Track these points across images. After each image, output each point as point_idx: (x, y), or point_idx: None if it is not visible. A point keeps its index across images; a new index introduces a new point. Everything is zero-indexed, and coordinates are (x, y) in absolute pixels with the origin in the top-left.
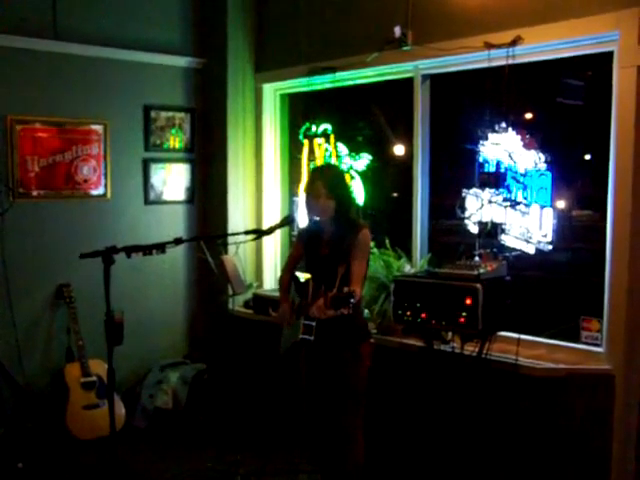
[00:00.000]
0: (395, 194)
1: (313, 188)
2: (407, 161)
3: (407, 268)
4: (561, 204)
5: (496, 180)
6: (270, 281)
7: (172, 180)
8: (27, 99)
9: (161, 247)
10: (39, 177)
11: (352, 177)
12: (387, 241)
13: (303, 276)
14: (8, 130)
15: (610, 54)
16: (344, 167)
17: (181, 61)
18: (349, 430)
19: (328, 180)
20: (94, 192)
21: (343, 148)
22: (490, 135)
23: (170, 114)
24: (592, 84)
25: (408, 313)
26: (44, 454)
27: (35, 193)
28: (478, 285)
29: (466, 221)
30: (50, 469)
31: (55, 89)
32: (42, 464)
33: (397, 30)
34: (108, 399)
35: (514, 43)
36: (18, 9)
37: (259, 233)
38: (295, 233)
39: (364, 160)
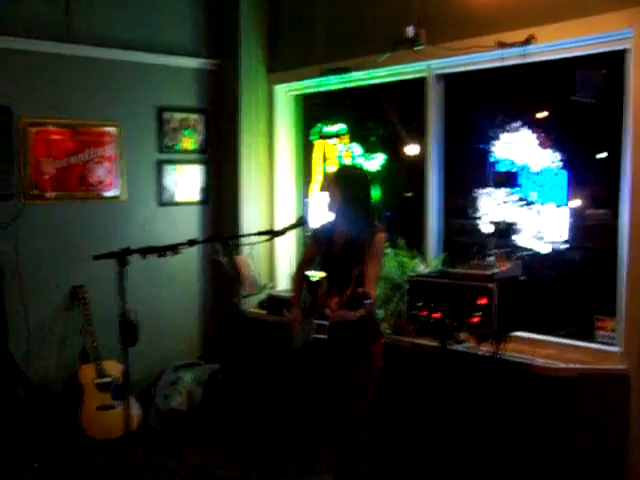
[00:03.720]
0: (409, 194)
1: (327, 182)
2: (421, 161)
3: (421, 268)
4: (576, 203)
5: (510, 179)
6: (284, 282)
7: (186, 181)
8: (41, 102)
9: (175, 248)
10: (53, 179)
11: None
12: (401, 241)
13: (317, 275)
14: (22, 133)
15: (624, 52)
16: None
17: (194, 62)
18: (357, 429)
19: (340, 175)
20: (108, 194)
21: (357, 148)
22: (504, 134)
23: (183, 115)
24: (608, 82)
25: (422, 313)
26: (59, 454)
27: (49, 195)
28: (492, 285)
29: (480, 221)
30: (65, 469)
31: (69, 91)
32: (57, 464)
33: (410, 30)
34: (123, 400)
35: (527, 42)
36: (32, 12)
37: (272, 234)
38: (309, 234)
39: (378, 160)
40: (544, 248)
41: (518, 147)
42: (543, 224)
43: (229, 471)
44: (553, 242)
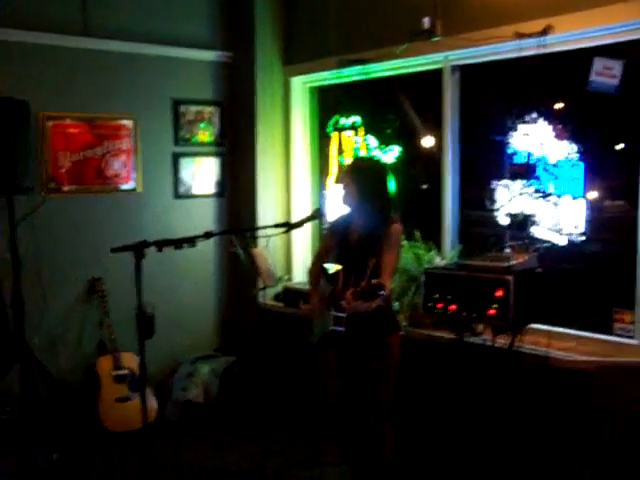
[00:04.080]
0: (425, 186)
1: (343, 175)
2: (437, 152)
3: (437, 260)
4: (593, 195)
5: (527, 171)
6: (300, 274)
7: (202, 174)
8: (57, 95)
9: (192, 241)
10: (70, 172)
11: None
12: (417, 233)
13: (333, 267)
14: (39, 126)
15: None
16: None
17: (209, 55)
18: (376, 424)
19: (355, 167)
20: (124, 187)
21: (373, 140)
22: (521, 126)
23: (199, 108)
24: (626, 72)
25: (438, 305)
26: (77, 446)
27: (66, 188)
28: (509, 277)
29: (496, 213)
30: (83, 461)
31: (85, 85)
32: (75, 456)
33: (426, 21)
34: (140, 392)
35: (545, 32)
36: (48, 6)
37: (288, 226)
38: (325, 226)
39: (394, 152)
40: (561, 240)
41: (535, 139)
42: (560, 216)
43: (245, 462)
44: (570, 234)
